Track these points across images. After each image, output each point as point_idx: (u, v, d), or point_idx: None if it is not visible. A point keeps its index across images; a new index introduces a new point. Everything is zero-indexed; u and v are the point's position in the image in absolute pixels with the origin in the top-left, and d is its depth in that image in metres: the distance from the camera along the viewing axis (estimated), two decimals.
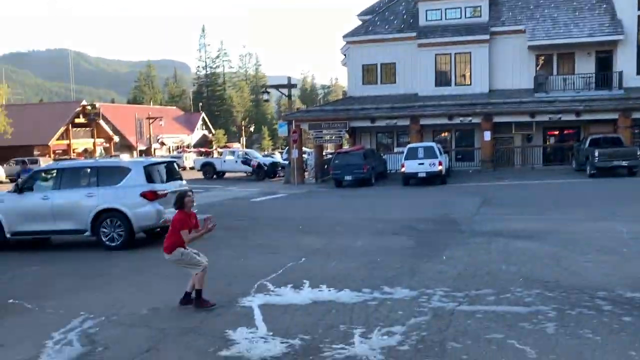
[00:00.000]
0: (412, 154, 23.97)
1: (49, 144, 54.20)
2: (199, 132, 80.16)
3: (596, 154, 23.61)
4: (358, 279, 8.23)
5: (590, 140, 25.32)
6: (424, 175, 23.54)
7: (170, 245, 7.03)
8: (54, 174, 12.30)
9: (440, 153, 24.52)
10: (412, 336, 5.78)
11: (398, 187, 22.82)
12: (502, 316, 6.32)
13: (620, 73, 28.68)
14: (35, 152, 53.29)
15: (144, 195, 11.52)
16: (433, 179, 23.69)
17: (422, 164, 23.56)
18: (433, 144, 24.52)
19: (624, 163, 23.51)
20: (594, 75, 29.39)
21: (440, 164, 23.56)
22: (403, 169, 23.82)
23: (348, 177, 26.81)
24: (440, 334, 5.83)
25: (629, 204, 15.57)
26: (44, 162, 38.76)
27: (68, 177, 12.09)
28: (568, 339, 5.57)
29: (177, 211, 7.10)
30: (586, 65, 29.86)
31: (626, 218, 13.15)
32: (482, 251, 10.00)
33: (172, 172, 12.74)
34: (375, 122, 30.38)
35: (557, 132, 31.13)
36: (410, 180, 23.99)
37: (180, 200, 7.06)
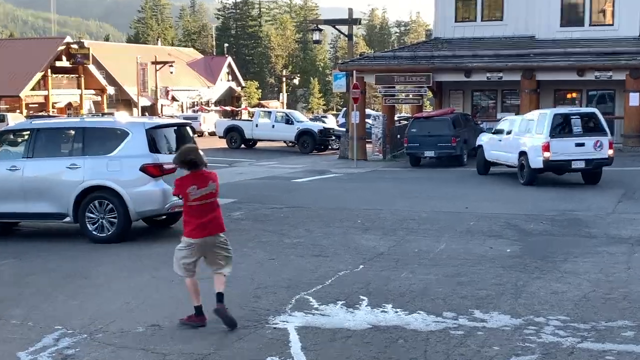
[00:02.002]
0: (559, 127, 18.89)
1: (19, 95, 56.03)
2: (223, 84, 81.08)
3: None
4: (437, 298, 8.18)
5: None
6: (581, 165, 18.73)
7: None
8: (26, 137, 12.69)
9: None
10: None
11: (503, 168, 22.46)
12: None
13: None
14: (2, 106, 55.20)
15: (145, 169, 11.76)
16: (593, 175, 19.39)
17: (582, 145, 18.58)
18: (595, 111, 19.98)
19: None
20: None
21: (611, 145, 18.92)
22: (545, 154, 18.50)
23: (429, 153, 26.67)
24: None
25: None
26: (14, 121, 40.01)
27: (44, 142, 12.47)
28: None
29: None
30: None
31: None
32: (619, 266, 9.76)
33: (184, 138, 12.94)
34: (472, 76, 29.98)
35: None
36: (550, 171, 19.63)
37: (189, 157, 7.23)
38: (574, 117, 19.04)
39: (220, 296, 7.18)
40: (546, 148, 18.51)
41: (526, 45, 30.54)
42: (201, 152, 7.43)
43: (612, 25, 30.43)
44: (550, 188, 18.79)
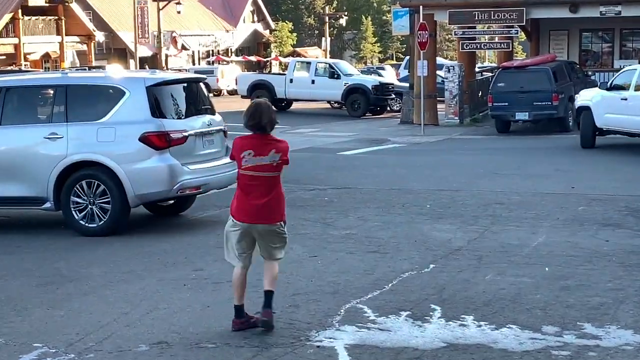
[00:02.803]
0: None
1: None
2: (246, 27, 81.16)
3: None
4: (534, 308, 8.14)
5: None
6: None
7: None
8: None
9: None
10: None
11: (618, 138, 22.16)
12: None
13: None
14: None
15: (147, 139, 11.82)
16: None
17: None
18: None
19: None
20: None
21: None
22: None
23: (522, 115, 26.49)
24: None
25: None
26: None
27: (15, 105, 12.63)
28: None
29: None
30: None
31: None
32: None
33: (196, 98, 12.98)
34: (580, 11, 29.53)
35: None
36: None
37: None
38: None
39: (267, 297, 7.42)
40: None
41: None
42: (272, 113, 7.39)
43: None
44: None
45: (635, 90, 20.09)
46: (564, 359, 6.78)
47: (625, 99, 20.30)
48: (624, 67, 23.51)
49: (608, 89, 21.33)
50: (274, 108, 33.31)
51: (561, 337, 7.29)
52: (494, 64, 45.57)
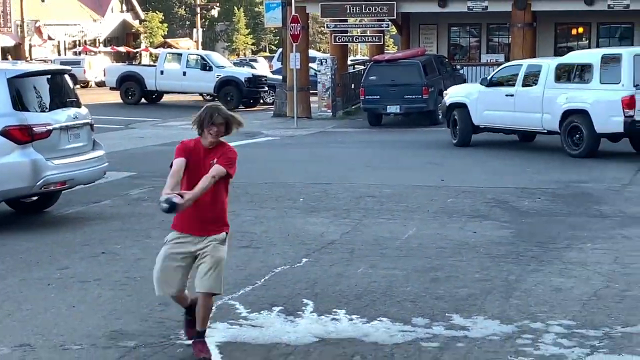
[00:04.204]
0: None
1: None
2: (115, 17, 79.97)
3: None
4: (405, 300, 8.25)
5: None
6: None
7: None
8: None
9: None
10: None
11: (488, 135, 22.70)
12: None
13: None
14: None
15: (8, 133, 11.53)
16: None
17: None
18: None
19: None
20: None
21: None
22: (628, 113, 17.60)
23: (393, 108, 26.86)
24: None
25: None
26: None
27: None
28: None
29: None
30: None
31: None
32: (639, 254, 10.02)
33: (61, 91, 12.73)
34: (448, 6, 30.11)
35: None
36: (628, 137, 18.75)
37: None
38: None
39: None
40: (629, 104, 17.51)
41: None
42: (230, 115, 7.04)
43: None
44: (549, 154, 19.11)
45: (522, 86, 19.97)
46: (433, 351, 6.89)
47: (512, 95, 20.09)
48: (491, 63, 23.78)
49: (486, 85, 21.02)
50: (144, 100, 32.55)
51: (430, 328, 7.42)
52: (366, 57, 46.08)
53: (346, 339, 7.17)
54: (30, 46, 64.66)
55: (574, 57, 20.17)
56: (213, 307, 7.05)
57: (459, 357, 6.76)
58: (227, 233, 6.90)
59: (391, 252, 10.28)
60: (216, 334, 7.34)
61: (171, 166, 6.72)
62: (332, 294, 8.48)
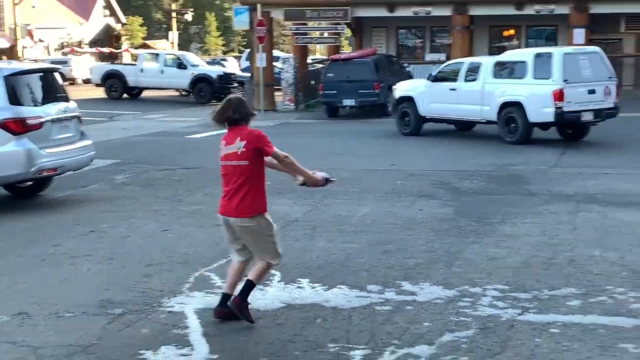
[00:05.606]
0: (572, 70, 18.13)
1: None
2: (99, 21, 79.03)
3: None
4: (360, 270, 8.30)
5: None
6: (590, 117, 18.28)
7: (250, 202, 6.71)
8: None
9: None
10: None
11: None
12: (593, 332, 6.44)
13: None
14: None
15: (5, 125, 11.45)
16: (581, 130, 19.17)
17: (593, 92, 18.22)
18: (599, 50, 19.47)
19: None
20: None
21: (618, 91, 19.04)
22: (558, 105, 17.71)
23: (349, 102, 26.88)
24: (491, 359, 5.93)
25: None
26: None
27: None
28: None
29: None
30: None
31: None
32: (564, 226, 10.12)
33: (51, 87, 12.61)
34: (396, 11, 30.19)
35: None
36: (559, 125, 18.98)
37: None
38: (581, 57, 18.54)
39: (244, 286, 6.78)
40: (559, 96, 17.66)
41: None
42: (244, 106, 6.78)
43: None
44: (486, 141, 19.26)
45: (465, 81, 19.92)
46: (386, 313, 6.96)
47: (454, 90, 20.07)
48: (434, 61, 23.85)
49: (432, 81, 20.89)
50: (126, 95, 32.17)
51: (383, 294, 7.49)
52: (324, 57, 45.98)
53: (309, 305, 7.24)
54: (23, 48, 63.88)
55: (510, 55, 20.30)
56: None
57: (408, 318, 6.83)
58: None
59: (348, 228, 10.33)
60: (194, 302, 7.37)
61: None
62: (296, 265, 8.51)
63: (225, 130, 6.81)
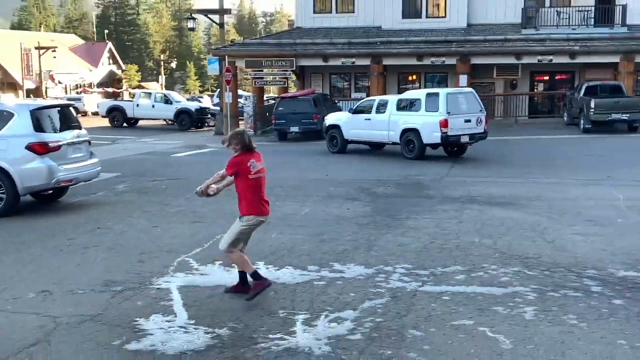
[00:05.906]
0: (453, 105, 18.32)
1: None
2: (104, 68, 77.92)
3: (592, 104, 24.35)
4: (303, 254, 8.32)
5: (586, 89, 26.06)
6: (466, 140, 18.51)
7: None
8: None
9: None
10: (366, 323, 5.91)
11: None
12: (473, 298, 6.53)
13: (624, 7, 29.36)
14: None
15: (31, 147, 11.21)
16: (460, 149, 19.34)
17: (469, 121, 18.43)
18: (472, 90, 19.91)
19: (624, 117, 24.37)
20: (593, 8, 30.00)
21: (487, 120, 19.15)
22: (443, 130, 17.93)
23: (294, 128, 26.86)
24: (399, 319, 5.99)
25: (627, 166, 16.23)
26: None
27: None
28: (549, 326, 5.82)
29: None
30: None
31: (623, 182, 13.72)
32: (452, 221, 10.27)
33: (67, 118, 12.40)
34: (329, 61, 30.34)
35: (547, 78, 31.89)
36: (444, 146, 18.96)
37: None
38: (460, 96, 18.81)
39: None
40: (444, 124, 17.91)
41: (374, 34, 31.22)
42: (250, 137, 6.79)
43: (445, 17, 31.56)
44: (393, 157, 19.44)
45: (376, 113, 19.97)
46: (322, 287, 6.98)
47: (369, 119, 20.18)
48: (357, 98, 23.98)
49: (353, 113, 21.10)
50: (125, 124, 31.69)
51: (319, 272, 7.50)
52: (276, 95, 45.95)
53: None
54: (46, 88, 62.65)
55: (409, 94, 20.46)
56: (230, 259, 6.90)
57: (338, 290, 6.86)
58: (241, 215, 6.77)
59: (293, 223, 10.34)
60: (177, 281, 7.30)
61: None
62: (255, 251, 8.43)
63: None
